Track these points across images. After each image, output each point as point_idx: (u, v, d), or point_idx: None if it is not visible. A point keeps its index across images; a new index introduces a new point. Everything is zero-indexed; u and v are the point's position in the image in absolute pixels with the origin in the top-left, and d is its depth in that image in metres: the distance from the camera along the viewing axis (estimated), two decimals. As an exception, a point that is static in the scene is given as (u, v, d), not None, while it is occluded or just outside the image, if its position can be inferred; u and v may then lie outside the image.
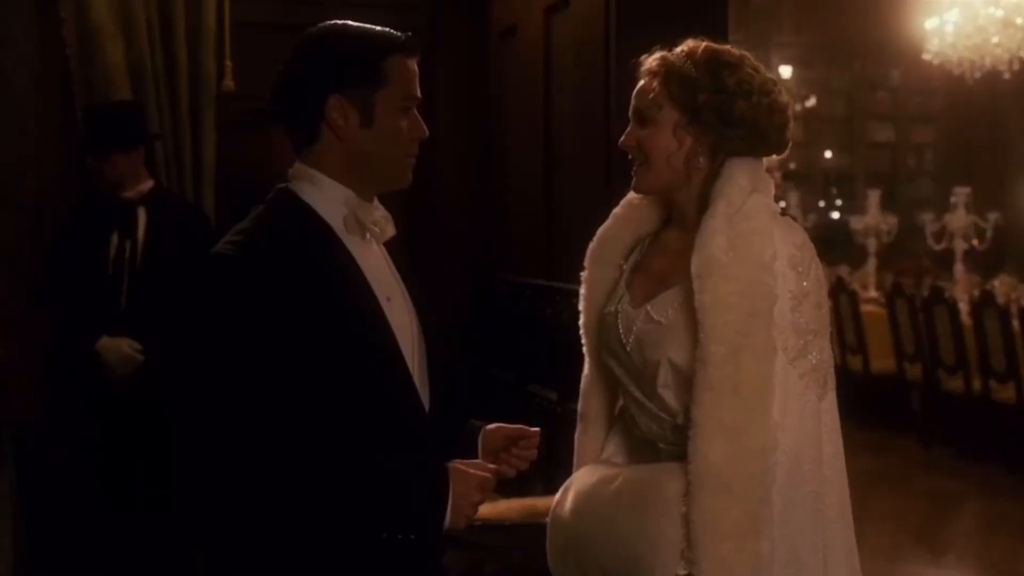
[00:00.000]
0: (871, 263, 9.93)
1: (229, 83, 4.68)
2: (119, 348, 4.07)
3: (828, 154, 12.41)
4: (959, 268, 8.86)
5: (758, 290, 1.99)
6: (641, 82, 2.14)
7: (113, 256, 4.14)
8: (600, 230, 2.29)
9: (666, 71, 2.10)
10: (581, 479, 2.20)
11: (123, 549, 4.01)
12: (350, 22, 2.07)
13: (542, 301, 4.51)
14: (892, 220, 10.20)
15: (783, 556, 2.00)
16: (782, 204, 10.57)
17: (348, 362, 1.95)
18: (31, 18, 4.53)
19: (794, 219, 2.16)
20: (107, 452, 4.09)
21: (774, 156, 2.21)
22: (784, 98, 2.15)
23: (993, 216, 9.24)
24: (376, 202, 2.08)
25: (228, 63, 4.68)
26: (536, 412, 4.49)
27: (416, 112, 2.06)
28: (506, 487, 4.32)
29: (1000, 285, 8.43)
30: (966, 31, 8.21)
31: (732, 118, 2.08)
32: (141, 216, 4.18)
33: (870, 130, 12.63)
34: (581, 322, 2.27)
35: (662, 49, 2.15)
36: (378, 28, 2.05)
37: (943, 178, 11.85)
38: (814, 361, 2.04)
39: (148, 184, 4.25)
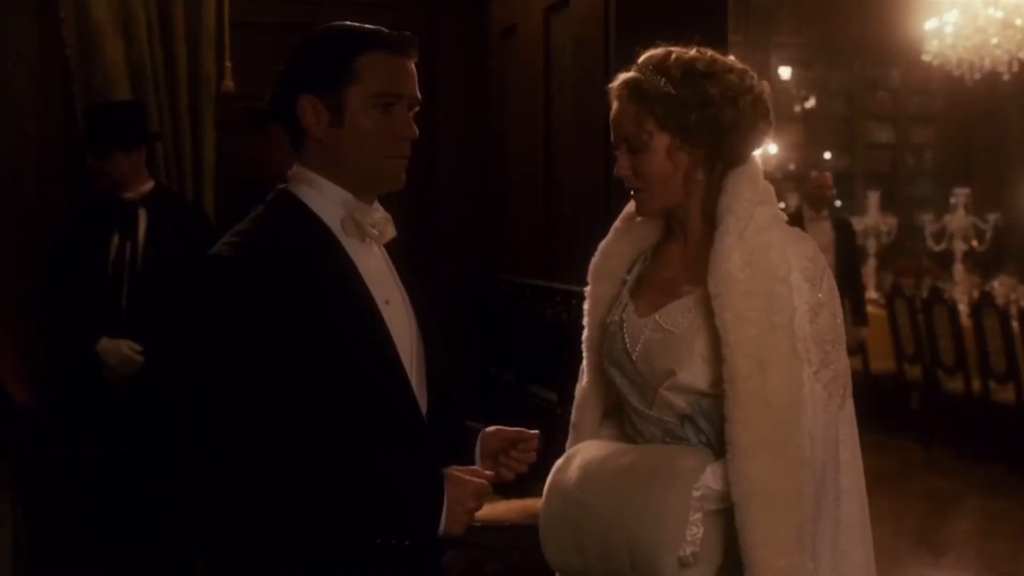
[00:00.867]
0: (871, 264, 9.93)
1: (229, 83, 4.68)
2: (119, 349, 4.07)
3: (828, 155, 12.41)
4: (959, 269, 8.87)
5: (776, 303, 1.99)
6: (617, 107, 2.10)
7: (113, 257, 4.14)
8: (602, 245, 2.27)
9: (645, 95, 2.06)
10: (589, 449, 2.16)
11: (123, 549, 4.01)
12: (343, 23, 2.05)
13: (542, 301, 4.50)
14: (892, 221, 10.21)
15: None
16: (781, 205, 10.56)
17: (344, 364, 1.94)
18: (31, 18, 4.53)
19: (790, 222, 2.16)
20: (107, 452, 4.09)
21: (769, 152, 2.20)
22: (760, 85, 2.11)
23: (993, 217, 9.26)
24: (376, 204, 2.07)
25: (228, 63, 4.68)
26: (536, 413, 4.49)
27: (403, 110, 2.01)
28: (505, 488, 4.31)
29: (1000, 286, 8.44)
30: (965, 32, 8.20)
31: (725, 127, 2.06)
32: (142, 217, 4.18)
33: (870, 131, 12.63)
34: (584, 336, 2.26)
35: (631, 69, 2.10)
36: (362, 26, 2.02)
37: (943, 179, 11.86)
38: (834, 371, 2.05)
39: (149, 185, 4.25)
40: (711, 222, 2.09)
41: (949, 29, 8.31)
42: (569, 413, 2.33)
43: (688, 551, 1.99)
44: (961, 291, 8.49)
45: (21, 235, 4.47)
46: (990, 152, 11.87)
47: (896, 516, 6.39)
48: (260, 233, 2.00)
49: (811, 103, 12.27)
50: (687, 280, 2.09)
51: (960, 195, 9.08)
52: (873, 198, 10.17)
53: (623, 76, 2.11)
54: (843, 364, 2.08)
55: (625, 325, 2.14)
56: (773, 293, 2.00)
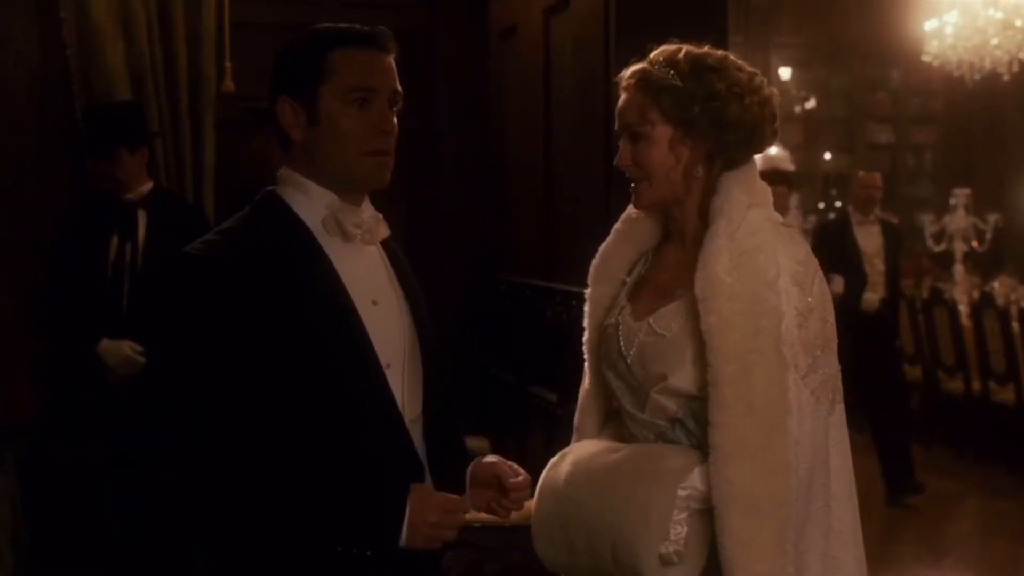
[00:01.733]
0: (871, 264, 9.91)
1: (229, 84, 4.68)
2: (120, 350, 4.07)
3: (828, 155, 12.40)
4: (959, 269, 8.86)
5: (762, 307, 1.98)
6: (624, 97, 2.10)
7: (113, 258, 4.14)
8: (602, 247, 2.26)
9: (652, 86, 2.06)
10: (582, 447, 2.17)
11: (123, 549, 4.01)
12: (319, 25, 2.04)
13: (542, 302, 4.51)
14: (892, 221, 10.18)
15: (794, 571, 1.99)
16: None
17: (313, 365, 1.93)
18: (31, 18, 4.53)
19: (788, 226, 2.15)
20: (107, 453, 4.09)
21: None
22: (769, 89, 2.12)
23: (993, 217, 9.24)
24: (365, 204, 2.06)
25: (228, 64, 4.68)
26: (536, 413, 4.49)
27: (382, 104, 1.99)
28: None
29: (1000, 286, 8.44)
30: (965, 33, 8.20)
31: (728, 123, 2.06)
32: (141, 217, 4.19)
33: (870, 131, 12.62)
34: (585, 338, 2.25)
35: (642, 61, 2.11)
36: (335, 25, 2.02)
37: (943, 179, 11.84)
38: (823, 376, 2.04)
39: (148, 185, 4.26)
40: (705, 222, 2.08)
41: (949, 30, 8.31)
42: (569, 413, 2.33)
43: (671, 549, 1.97)
44: (961, 292, 8.49)
45: (21, 235, 4.47)
46: (990, 153, 11.86)
47: (896, 517, 6.39)
48: (237, 232, 2.00)
49: (811, 104, 12.26)
50: (680, 282, 2.08)
51: (960, 196, 9.07)
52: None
53: (633, 67, 2.11)
54: (833, 369, 2.07)
55: (621, 328, 2.13)
56: (760, 297, 1.99)
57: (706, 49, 2.11)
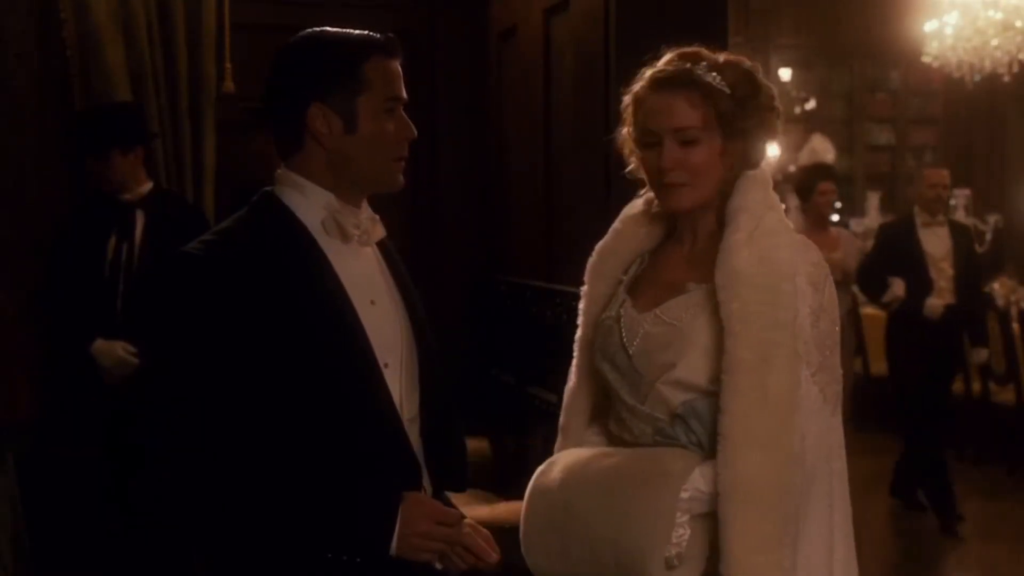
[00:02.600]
0: (870, 265, 9.89)
1: (229, 85, 4.68)
2: (113, 351, 4.07)
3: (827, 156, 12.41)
4: (959, 270, 8.84)
5: (782, 300, 2.00)
6: (668, 99, 2.07)
7: (111, 259, 4.14)
8: (599, 245, 2.27)
9: (705, 90, 2.06)
10: (571, 455, 2.16)
11: (123, 549, 4.01)
12: (327, 28, 2.06)
13: (542, 302, 4.51)
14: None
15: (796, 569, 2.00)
16: (782, 206, 10.53)
17: (311, 365, 1.93)
18: (31, 19, 4.53)
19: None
20: (107, 452, 4.09)
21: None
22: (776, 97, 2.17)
23: (993, 218, 9.26)
24: (364, 205, 2.08)
25: (228, 65, 4.68)
26: (536, 414, 4.49)
27: (402, 112, 2.04)
28: (504, 490, 4.31)
29: (1000, 287, 8.42)
30: (965, 33, 8.20)
31: (764, 133, 2.11)
32: (139, 218, 4.19)
33: (870, 132, 12.62)
34: (578, 335, 2.25)
35: (655, 57, 2.12)
36: (356, 32, 2.04)
37: (943, 180, 11.84)
38: (830, 376, 2.06)
39: (147, 186, 4.26)
40: (717, 224, 2.10)
41: (949, 31, 8.31)
42: (568, 415, 2.33)
43: (674, 552, 1.98)
44: (961, 292, 8.46)
45: (21, 235, 4.47)
46: (990, 153, 11.87)
47: (896, 517, 6.39)
48: (235, 233, 2.01)
49: (811, 104, 12.27)
50: (692, 278, 2.09)
51: (960, 197, 9.07)
52: (873, 200, 10.16)
53: (673, 67, 2.08)
54: (839, 372, 2.09)
55: (623, 320, 2.13)
56: (780, 290, 2.00)
57: (734, 56, 2.13)
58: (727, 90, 2.06)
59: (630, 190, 2.29)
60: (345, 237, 2.03)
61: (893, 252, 6.24)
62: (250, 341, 1.89)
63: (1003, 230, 9.79)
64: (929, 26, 8.54)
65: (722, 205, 2.11)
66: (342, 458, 1.94)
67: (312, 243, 2.00)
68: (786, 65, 12.01)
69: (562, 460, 2.15)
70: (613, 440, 2.19)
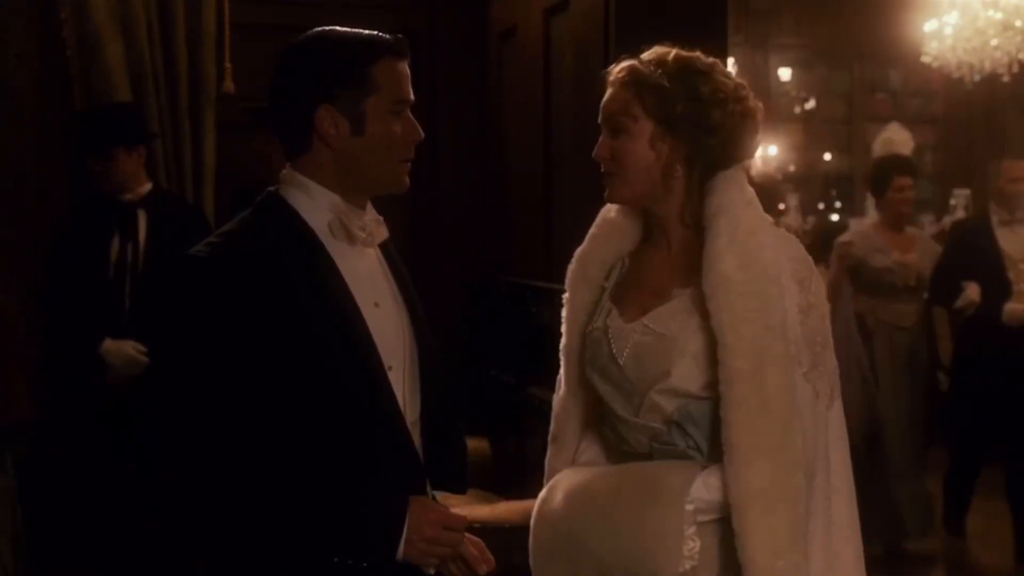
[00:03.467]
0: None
1: (229, 85, 4.68)
2: (123, 350, 4.07)
3: (827, 156, 12.41)
4: (959, 270, 8.81)
5: (770, 305, 2.00)
6: (610, 92, 2.13)
7: (115, 259, 4.15)
8: (578, 251, 2.27)
9: (638, 82, 2.08)
10: (569, 477, 2.15)
11: (123, 549, 4.01)
12: (336, 28, 2.04)
13: (542, 302, 4.51)
14: None
15: None
16: (781, 206, 10.55)
17: (317, 367, 1.92)
18: (31, 19, 4.54)
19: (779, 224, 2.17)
20: (107, 452, 4.09)
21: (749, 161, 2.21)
22: (754, 102, 2.13)
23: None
24: (368, 206, 2.07)
25: (228, 65, 4.68)
26: (535, 414, 4.49)
27: (409, 114, 2.03)
28: (504, 490, 4.31)
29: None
30: (965, 34, 8.20)
31: (709, 127, 2.07)
32: (141, 218, 4.19)
33: (870, 132, 12.63)
34: (562, 344, 2.24)
35: (632, 58, 2.13)
36: (364, 32, 2.02)
37: (942, 181, 11.85)
38: (823, 372, 2.06)
39: (147, 186, 4.26)
40: (692, 227, 2.10)
41: (949, 31, 8.30)
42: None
43: (688, 566, 1.99)
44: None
45: (21, 235, 4.47)
46: (990, 153, 11.86)
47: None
48: (241, 234, 2.00)
49: (811, 104, 12.27)
50: (675, 283, 2.09)
51: (960, 197, 9.07)
52: (872, 200, 10.13)
53: (621, 64, 2.13)
54: (832, 364, 2.09)
55: (610, 331, 2.12)
56: (767, 295, 2.00)
57: (697, 53, 2.12)
58: (664, 83, 2.06)
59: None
60: (351, 239, 2.02)
61: (967, 253, 5.55)
62: (256, 344, 1.89)
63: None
64: (929, 26, 8.54)
65: (691, 206, 2.10)
66: (347, 461, 1.93)
67: (317, 245, 1.99)
68: (786, 65, 12.01)
69: (563, 484, 2.14)
70: (610, 450, 2.18)
